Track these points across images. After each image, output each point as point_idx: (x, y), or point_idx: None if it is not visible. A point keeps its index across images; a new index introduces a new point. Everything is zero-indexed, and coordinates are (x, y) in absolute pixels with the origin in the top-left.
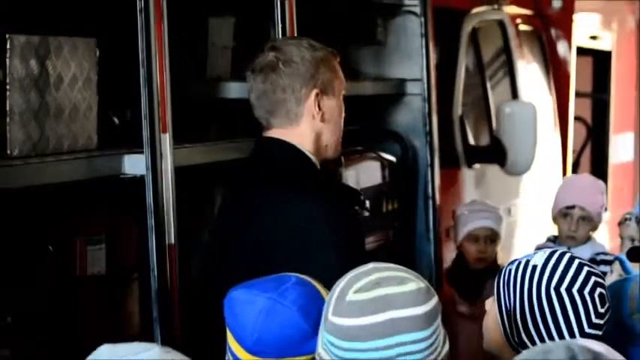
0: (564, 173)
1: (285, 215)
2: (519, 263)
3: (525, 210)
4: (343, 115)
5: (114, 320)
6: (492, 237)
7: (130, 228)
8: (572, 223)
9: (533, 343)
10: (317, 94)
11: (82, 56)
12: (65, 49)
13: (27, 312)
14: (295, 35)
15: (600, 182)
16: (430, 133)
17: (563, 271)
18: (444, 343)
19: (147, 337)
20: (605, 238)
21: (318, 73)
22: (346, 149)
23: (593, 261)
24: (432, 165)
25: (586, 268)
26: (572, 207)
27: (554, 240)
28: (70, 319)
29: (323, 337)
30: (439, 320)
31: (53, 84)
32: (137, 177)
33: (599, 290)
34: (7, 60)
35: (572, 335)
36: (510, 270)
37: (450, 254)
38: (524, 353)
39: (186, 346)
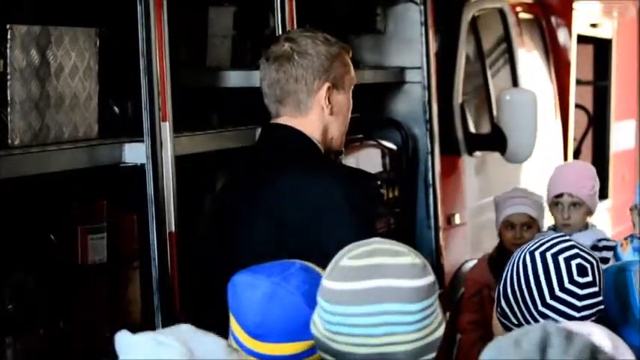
0: (565, 161)
1: (302, 194)
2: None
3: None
4: (351, 110)
5: (115, 308)
6: (529, 223)
7: (130, 216)
8: (564, 210)
9: (511, 310)
10: (329, 88)
11: (82, 46)
12: (66, 39)
13: (29, 300)
14: (295, 24)
15: (589, 167)
16: (430, 121)
17: (546, 241)
18: (437, 327)
19: (148, 325)
20: (608, 224)
21: (331, 68)
22: (347, 137)
23: (595, 247)
24: (432, 153)
25: (572, 243)
26: (561, 195)
27: (554, 229)
28: (72, 308)
29: (318, 304)
30: (433, 301)
31: (54, 73)
32: (137, 166)
33: (578, 261)
34: (8, 50)
35: (541, 297)
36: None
37: (452, 242)
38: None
39: None
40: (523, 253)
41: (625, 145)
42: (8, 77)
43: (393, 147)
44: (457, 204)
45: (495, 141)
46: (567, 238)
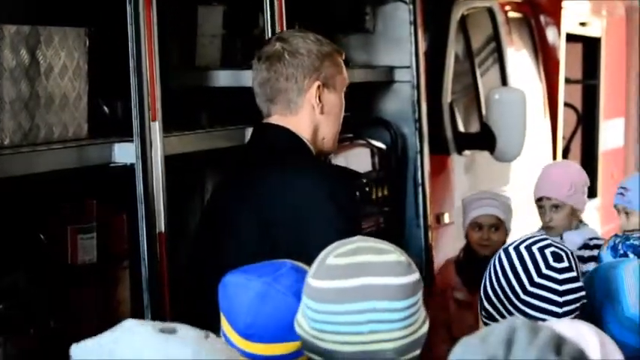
0: (554, 160)
1: (288, 194)
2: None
3: (515, 196)
4: (343, 111)
5: (105, 308)
6: (497, 225)
7: (120, 216)
8: (546, 213)
9: (494, 308)
10: (319, 86)
11: (72, 46)
12: (55, 38)
13: (19, 300)
14: (285, 24)
15: (567, 168)
16: (419, 120)
17: (521, 240)
18: (422, 324)
19: None
20: (597, 223)
21: (322, 67)
22: None
23: (586, 246)
24: (421, 152)
25: (548, 239)
26: (541, 199)
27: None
28: (62, 308)
29: (302, 303)
30: (418, 298)
31: (43, 73)
32: (127, 165)
33: (552, 249)
34: None
35: (522, 286)
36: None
37: (441, 241)
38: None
39: None
40: (498, 253)
41: (614, 143)
42: None
43: (382, 146)
44: (446, 203)
45: (484, 140)
46: (545, 236)
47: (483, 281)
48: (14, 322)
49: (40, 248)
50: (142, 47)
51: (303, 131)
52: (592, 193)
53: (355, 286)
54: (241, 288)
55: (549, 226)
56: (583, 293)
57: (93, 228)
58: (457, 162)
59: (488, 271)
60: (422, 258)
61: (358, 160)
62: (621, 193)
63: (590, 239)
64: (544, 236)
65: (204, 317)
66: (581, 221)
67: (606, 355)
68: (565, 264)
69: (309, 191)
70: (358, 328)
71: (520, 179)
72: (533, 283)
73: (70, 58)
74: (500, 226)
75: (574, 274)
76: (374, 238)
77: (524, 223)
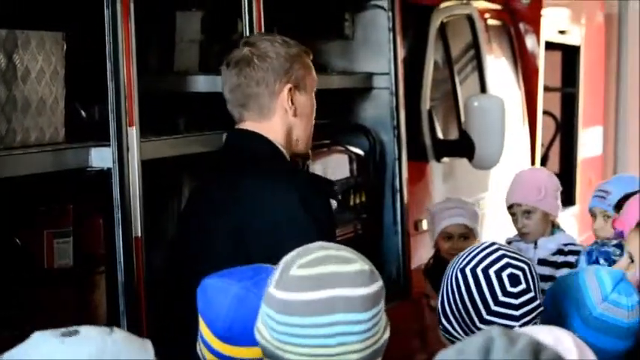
0: (533, 166)
1: (260, 203)
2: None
3: (494, 204)
4: (314, 112)
5: (81, 312)
6: (466, 234)
7: (96, 221)
8: (518, 220)
9: (453, 328)
10: (290, 89)
11: (49, 50)
12: (32, 42)
13: None
14: (263, 29)
15: (535, 174)
16: (398, 126)
17: (474, 255)
18: (384, 330)
19: None
20: (575, 230)
21: (292, 69)
22: (314, 143)
23: (560, 252)
24: (399, 159)
25: (501, 252)
26: (512, 206)
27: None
28: (37, 312)
29: (262, 310)
30: (382, 306)
31: (20, 77)
32: (104, 170)
33: (509, 270)
34: None
35: (478, 314)
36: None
37: (419, 247)
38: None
39: (152, 338)
40: (455, 270)
41: (592, 151)
42: None
43: (361, 152)
44: (424, 210)
45: (463, 147)
46: (495, 247)
47: (440, 296)
48: None
49: (15, 252)
50: (119, 51)
51: (277, 135)
52: (570, 200)
53: (322, 299)
54: (220, 292)
55: (523, 232)
56: (541, 309)
57: (69, 232)
58: (436, 169)
59: (444, 286)
60: (399, 264)
61: (336, 166)
62: (601, 196)
63: (565, 245)
64: (501, 250)
65: (183, 320)
66: (557, 227)
67: None
68: (522, 286)
69: (283, 200)
70: (326, 341)
71: (499, 186)
72: (490, 312)
73: (47, 63)
74: (469, 234)
75: (531, 294)
76: (335, 245)
77: (503, 230)
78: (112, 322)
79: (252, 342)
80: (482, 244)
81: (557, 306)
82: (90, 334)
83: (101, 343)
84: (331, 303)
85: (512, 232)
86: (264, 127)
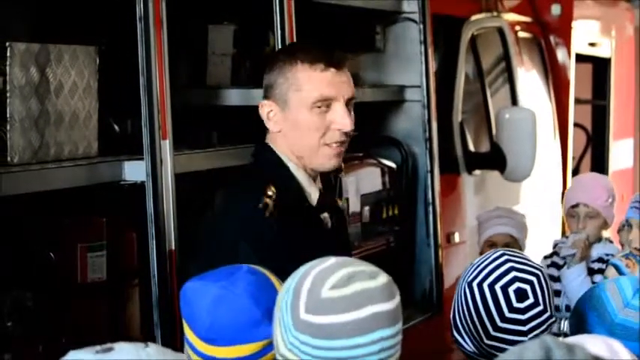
0: (564, 180)
1: (211, 214)
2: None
3: (526, 216)
4: (322, 127)
5: (115, 326)
6: (511, 244)
7: (130, 234)
8: (580, 221)
9: (464, 340)
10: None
11: (82, 64)
12: (65, 56)
13: (28, 318)
14: (295, 41)
15: (604, 178)
16: (430, 139)
17: (483, 267)
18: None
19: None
20: None
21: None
22: (346, 155)
23: (600, 260)
24: (431, 171)
25: (509, 265)
26: (577, 205)
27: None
28: (72, 325)
29: (287, 337)
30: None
31: (53, 91)
32: (137, 183)
33: (516, 285)
34: (8, 67)
35: (485, 330)
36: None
37: (452, 260)
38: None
39: None
40: (464, 283)
41: (623, 164)
42: (8, 95)
43: (393, 165)
44: (457, 222)
45: (495, 159)
46: (504, 259)
47: (452, 308)
48: (22, 340)
49: (49, 266)
50: (152, 65)
51: (283, 149)
52: None
53: (361, 318)
54: (199, 293)
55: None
56: (552, 320)
57: (103, 246)
58: (467, 181)
59: (456, 298)
60: (432, 277)
61: (369, 179)
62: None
63: (607, 255)
64: (509, 263)
65: None
66: (602, 238)
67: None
68: (529, 300)
69: (219, 213)
70: (371, 358)
71: (530, 199)
72: (496, 329)
73: (80, 76)
74: (514, 244)
75: (540, 308)
76: (349, 259)
77: (533, 242)
78: (146, 335)
79: (235, 341)
80: (492, 254)
81: (582, 320)
82: (124, 350)
83: (136, 357)
84: (371, 320)
85: (543, 244)
86: (272, 139)
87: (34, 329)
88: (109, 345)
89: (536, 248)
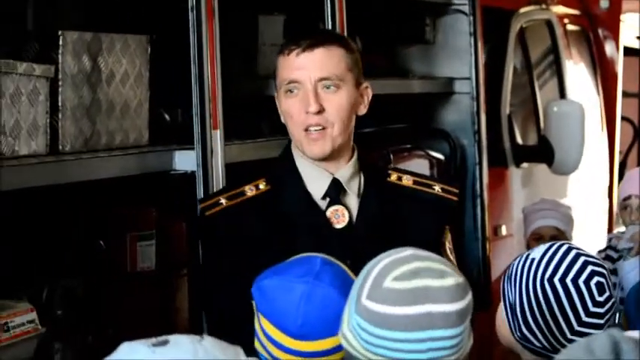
0: (611, 173)
1: None
2: (521, 258)
3: (573, 209)
4: (294, 113)
5: (163, 315)
6: (558, 236)
7: (180, 224)
8: (632, 212)
9: (535, 337)
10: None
11: (133, 53)
12: (117, 45)
13: (78, 307)
14: (346, 33)
15: None
16: (479, 131)
17: (557, 263)
18: (468, 339)
19: (195, 332)
20: None
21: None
22: (395, 147)
23: None
24: (480, 164)
25: (583, 258)
26: (629, 197)
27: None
28: (120, 315)
29: (351, 318)
30: (469, 317)
31: (105, 80)
32: (188, 173)
33: (596, 279)
34: (60, 56)
35: (569, 326)
36: (513, 265)
37: (500, 253)
38: (565, 352)
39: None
40: (540, 281)
41: None
42: (60, 83)
43: (441, 157)
44: (504, 215)
45: (542, 152)
46: (575, 253)
47: (519, 301)
48: (73, 329)
49: (99, 255)
50: (203, 55)
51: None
52: None
53: (419, 314)
54: (283, 290)
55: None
56: (616, 305)
57: (152, 235)
58: (515, 174)
59: (524, 294)
60: (479, 270)
61: (417, 170)
62: None
63: None
64: (583, 257)
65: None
66: None
67: None
68: (607, 293)
69: None
70: (418, 355)
71: (577, 193)
72: (581, 324)
73: (131, 66)
74: (560, 237)
75: (613, 300)
76: (427, 253)
77: (580, 236)
78: (194, 325)
79: (326, 334)
80: (556, 248)
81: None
82: (180, 343)
83: (192, 351)
84: (428, 318)
85: (591, 238)
86: None
87: (84, 318)
88: (164, 338)
89: (583, 241)
